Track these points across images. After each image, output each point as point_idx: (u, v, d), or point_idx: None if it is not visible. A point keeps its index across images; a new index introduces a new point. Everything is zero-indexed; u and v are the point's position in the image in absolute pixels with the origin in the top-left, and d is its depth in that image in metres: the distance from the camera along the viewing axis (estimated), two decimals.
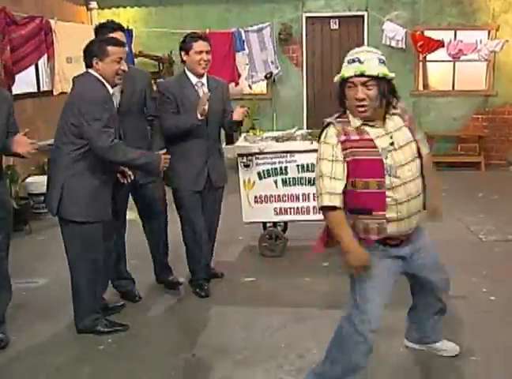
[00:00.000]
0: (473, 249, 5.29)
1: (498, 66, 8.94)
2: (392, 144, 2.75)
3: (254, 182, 4.98)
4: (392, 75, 2.79)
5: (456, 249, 5.24)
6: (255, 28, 8.91)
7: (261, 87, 9.45)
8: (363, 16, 9.11)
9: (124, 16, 9.17)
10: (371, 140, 2.72)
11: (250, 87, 9.04)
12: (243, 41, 8.81)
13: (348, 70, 2.70)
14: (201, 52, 4.08)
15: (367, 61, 2.69)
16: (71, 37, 7.16)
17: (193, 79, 4.17)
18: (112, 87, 3.58)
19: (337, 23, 9.18)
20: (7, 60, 6.12)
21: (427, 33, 8.89)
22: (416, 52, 8.94)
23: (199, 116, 4.02)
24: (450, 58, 8.89)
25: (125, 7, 9.28)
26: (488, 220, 6.11)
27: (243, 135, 5.23)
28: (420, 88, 9.34)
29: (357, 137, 2.73)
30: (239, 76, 8.84)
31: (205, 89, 4.18)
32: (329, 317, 3.90)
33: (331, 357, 3.02)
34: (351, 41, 9.16)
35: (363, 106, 2.70)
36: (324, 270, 4.83)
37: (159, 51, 8.85)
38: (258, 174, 4.96)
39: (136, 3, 9.26)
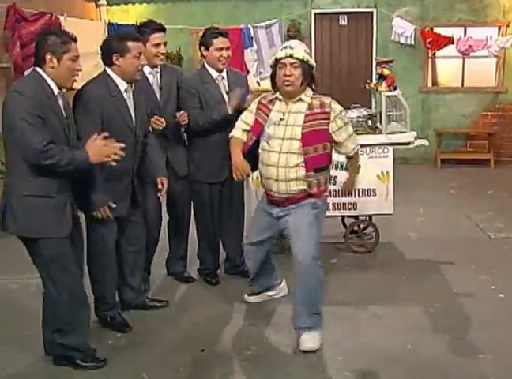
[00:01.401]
0: (482, 247, 5.27)
1: (509, 63, 8.88)
2: (282, 119, 3.52)
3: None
4: (313, 62, 3.50)
5: (465, 246, 5.24)
6: (264, 24, 8.89)
7: (269, 83, 9.40)
8: (371, 13, 9.06)
9: (133, 12, 9.17)
10: (270, 110, 3.58)
11: (258, 83, 9.02)
12: (252, 37, 8.78)
13: (280, 53, 3.46)
14: (221, 49, 4.12)
15: (295, 48, 3.46)
16: (80, 33, 7.07)
17: (214, 73, 4.22)
18: (131, 83, 3.58)
19: (346, 19, 9.14)
20: (17, 56, 6.13)
21: (437, 29, 8.84)
22: (425, 49, 8.90)
23: (229, 110, 4.08)
24: (460, 55, 8.84)
25: (134, 3, 9.25)
26: (497, 218, 6.08)
27: None
28: (429, 84, 9.29)
29: (266, 104, 3.63)
30: (248, 72, 8.82)
31: (226, 83, 4.25)
32: (336, 314, 3.95)
33: None
34: (359, 37, 9.15)
35: (288, 80, 3.43)
36: (332, 267, 4.82)
37: (168, 47, 8.85)
38: None
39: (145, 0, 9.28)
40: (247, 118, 3.74)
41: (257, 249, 3.88)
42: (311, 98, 3.52)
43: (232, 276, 4.64)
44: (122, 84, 3.54)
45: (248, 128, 3.71)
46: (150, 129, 3.94)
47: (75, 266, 3.26)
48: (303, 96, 3.51)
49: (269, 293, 4.24)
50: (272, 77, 3.57)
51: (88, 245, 3.67)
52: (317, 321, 3.60)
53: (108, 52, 3.51)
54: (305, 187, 3.52)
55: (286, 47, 3.47)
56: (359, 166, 4.07)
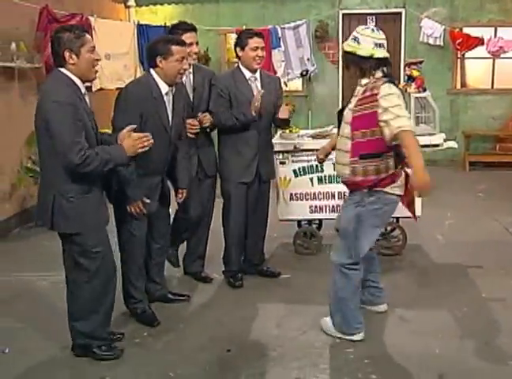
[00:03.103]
0: (511, 251, 5.20)
1: None
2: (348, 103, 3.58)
3: (289, 180, 4.99)
4: (358, 51, 3.42)
5: (493, 250, 5.19)
6: (291, 25, 8.91)
7: (296, 84, 9.45)
8: (400, 13, 9.03)
9: (161, 13, 9.28)
10: None
11: (285, 84, 9.02)
12: (279, 38, 8.82)
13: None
14: (256, 48, 4.19)
15: (348, 40, 3.49)
16: (110, 34, 7.27)
17: (247, 74, 4.27)
18: (171, 85, 3.66)
19: (374, 20, 9.08)
20: (48, 57, 6.22)
21: (467, 30, 8.76)
22: (454, 50, 8.82)
23: (253, 113, 4.15)
24: (490, 56, 8.74)
25: (162, 4, 9.37)
26: None
27: (279, 132, 5.25)
28: (458, 86, 9.21)
29: None
30: (275, 73, 8.83)
31: (258, 84, 4.30)
32: (363, 316, 3.86)
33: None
34: (388, 38, 9.00)
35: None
36: None
37: None
38: (294, 171, 4.97)
39: (173, 0, 9.35)
40: None
41: None
42: (373, 82, 3.39)
43: (256, 277, 4.67)
44: (164, 87, 3.64)
45: None
46: (187, 134, 4.04)
47: (111, 254, 3.39)
48: (362, 80, 3.45)
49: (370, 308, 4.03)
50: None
51: (118, 239, 3.79)
52: (334, 316, 3.66)
53: (153, 54, 3.61)
54: (350, 173, 3.46)
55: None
56: (418, 153, 3.19)
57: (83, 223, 3.18)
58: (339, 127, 3.61)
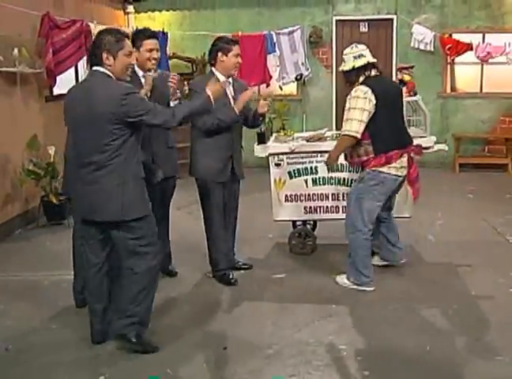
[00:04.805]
0: (500, 250, 5.29)
1: None
2: None
3: (284, 181, 5.07)
4: (346, 67, 4.28)
5: (482, 249, 5.27)
6: (286, 30, 9.02)
7: (291, 88, 9.58)
8: (392, 20, 9.17)
9: (159, 19, 9.39)
10: None
11: (280, 88, 9.17)
12: (274, 43, 8.93)
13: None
14: (237, 55, 4.32)
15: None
16: None
17: (222, 78, 4.33)
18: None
19: (367, 26, 9.25)
20: (49, 62, 6.35)
21: (456, 36, 8.93)
22: (444, 55, 8.99)
23: (237, 112, 4.28)
24: (479, 61, 8.92)
25: (160, 11, 9.48)
26: None
27: (274, 135, 5.36)
28: (448, 90, 9.36)
29: None
30: (270, 77, 8.98)
31: (231, 88, 4.41)
32: (356, 315, 4.00)
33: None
34: (380, 44, 9.24)
35: None
36: None
37: (192, 53, 9.04)
38: (289, 173, 5.05)
39: (171, 7, 9.46)
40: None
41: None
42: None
43: (250, 276, 4.73)
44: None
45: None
46: (173, 87, 4.15)
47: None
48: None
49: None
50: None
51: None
52: (350, 273, 4.41)
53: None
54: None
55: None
56: (335, 148, 4.40)
57: (147, 205, 3.42)
58: None
